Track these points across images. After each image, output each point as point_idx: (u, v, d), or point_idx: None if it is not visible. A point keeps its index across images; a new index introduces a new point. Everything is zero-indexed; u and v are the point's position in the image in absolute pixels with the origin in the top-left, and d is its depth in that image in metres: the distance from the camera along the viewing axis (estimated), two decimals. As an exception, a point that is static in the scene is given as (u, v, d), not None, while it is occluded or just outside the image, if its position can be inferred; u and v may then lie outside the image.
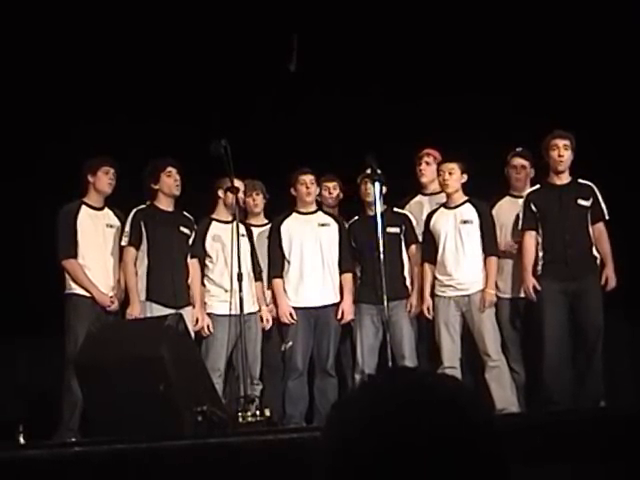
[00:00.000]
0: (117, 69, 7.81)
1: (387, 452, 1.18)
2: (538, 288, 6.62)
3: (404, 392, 1.22)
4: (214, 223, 7.08)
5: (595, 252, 6.68)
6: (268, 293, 7.13)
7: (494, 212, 7.06)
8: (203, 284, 7.02)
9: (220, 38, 7.90)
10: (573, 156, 6.73)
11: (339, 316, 7.02)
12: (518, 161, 7.12)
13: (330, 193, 7.43)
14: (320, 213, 7.24)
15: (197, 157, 6.83)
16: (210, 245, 7.02)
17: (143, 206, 7.01)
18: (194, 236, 7.03)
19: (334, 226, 7.19)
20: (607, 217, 6.71)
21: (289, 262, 7.08)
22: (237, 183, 6.83)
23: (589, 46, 7.47)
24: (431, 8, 7.82)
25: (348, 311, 7.04)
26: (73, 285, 6.82)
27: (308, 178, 7.15)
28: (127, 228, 6.89)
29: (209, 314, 6.96)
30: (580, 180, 6.77)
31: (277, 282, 7.08)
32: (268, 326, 7.04)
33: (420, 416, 1.19)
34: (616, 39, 7.44)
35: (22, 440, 6.18)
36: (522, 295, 6.80)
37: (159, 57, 7.87)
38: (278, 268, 7.09)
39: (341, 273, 7.12)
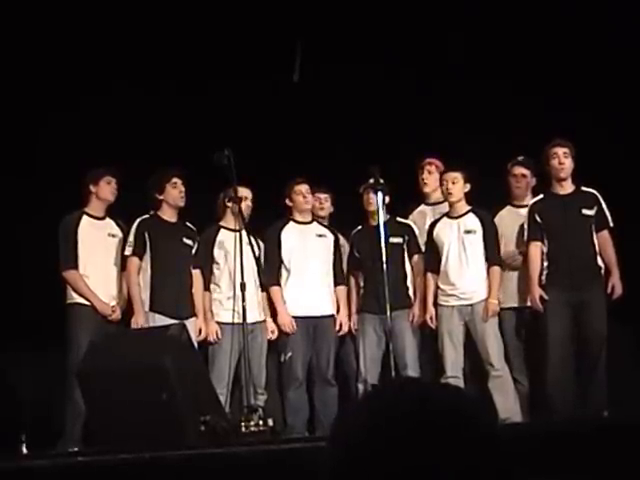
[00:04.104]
0: (118, 76, 7.80)
1: (391, 462, 1.17)
2: (545, 297, 6.61)
3: (407, 402, 1.22)
4: (222, 231, 7.07)
5: (600, 262, 6.67)
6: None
7: (495, 222, 7.06)
8: (208, 290, 7.00)
9: (224, 47, 7.90)
10: (574, 164, 6.73)
11: (337, 328, 7.04)
12: (519, 170, 7.12)
13: (321, 204, 7.41)
14: (316, 224, 7.24)
15: (200, 163, 6.80)
16: (216, 252, 7.01)
17: (147, 216, 6.99)
18: (199, 244, 7.02)
19: (330, 237, 7.20)
20: (612, 224, 6.71)
21: (289, 270, 7.06)
22: (243, 192, 6.81)
23: (593, 51, 7.47)
24: (433, 16, 7.83)
25: (346, 323, 7.06)
26: (74, 295, 6.81)
27: (304, 188, 7.15)
28: (131, 238, 6.88)
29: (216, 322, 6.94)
30: (584, 188, 6.76)
31: (276, 290, 7.02)
32: (274, 336, 7.02)
33: (423, 426, 1.19)
34: (617, 44, 7.44)
35: (25, 450, 6.18)
36: (528, 304, 6.79)
37: (162, 66, 7.88)
38: (276, 275, 7.06)
39: (335, 285, 7.13)
